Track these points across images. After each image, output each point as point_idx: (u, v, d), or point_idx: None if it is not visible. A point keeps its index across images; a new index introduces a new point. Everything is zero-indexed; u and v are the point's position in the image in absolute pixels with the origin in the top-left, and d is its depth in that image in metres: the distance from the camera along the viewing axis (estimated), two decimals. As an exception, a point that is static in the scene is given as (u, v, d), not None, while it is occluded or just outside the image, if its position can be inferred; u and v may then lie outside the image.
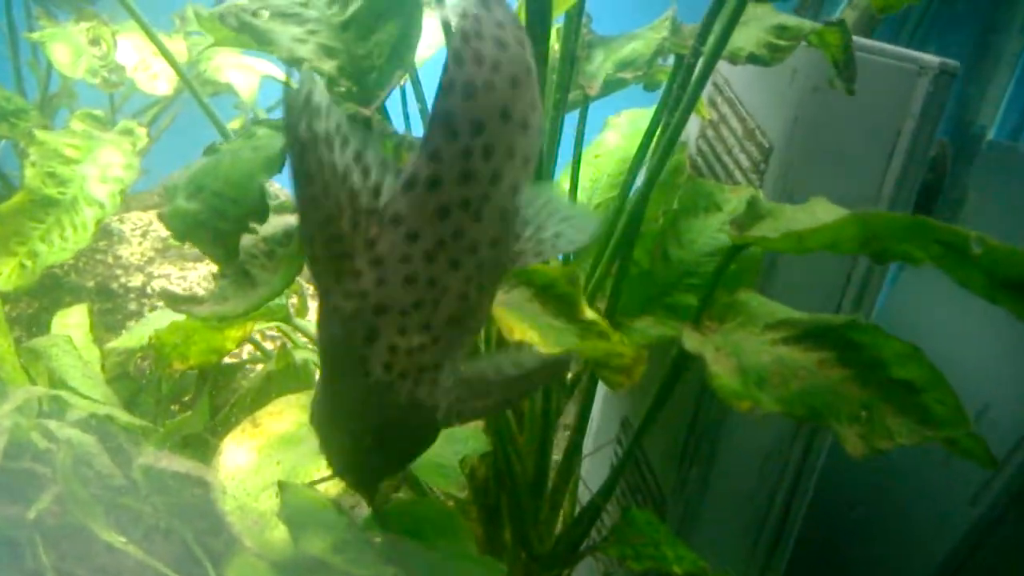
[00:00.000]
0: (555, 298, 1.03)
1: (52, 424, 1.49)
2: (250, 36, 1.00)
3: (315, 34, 1.02)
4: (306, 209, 0.57)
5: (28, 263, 1.74)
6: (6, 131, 1.95)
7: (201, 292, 2.15)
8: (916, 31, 2.12)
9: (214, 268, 2.31)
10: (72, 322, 1.67)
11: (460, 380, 0.67)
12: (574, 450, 1.38)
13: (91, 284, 2.08)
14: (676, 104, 1.12)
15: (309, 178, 0.55)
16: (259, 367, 1.71)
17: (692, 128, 1.59)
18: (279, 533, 1.24)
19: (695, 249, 1.32)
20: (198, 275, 2.16)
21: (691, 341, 1.00)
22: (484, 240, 0.59)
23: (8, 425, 1.44)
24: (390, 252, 0.57)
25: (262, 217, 0.84)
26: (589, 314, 0.99)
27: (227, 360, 1.64)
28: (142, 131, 2.02)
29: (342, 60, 0.99)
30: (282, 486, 1.10)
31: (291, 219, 0.99)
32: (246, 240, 0.95)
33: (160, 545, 1.54)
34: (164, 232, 2.24)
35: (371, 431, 0.69)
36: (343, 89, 0.97)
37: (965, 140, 2.08)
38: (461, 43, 0.52)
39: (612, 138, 1.66)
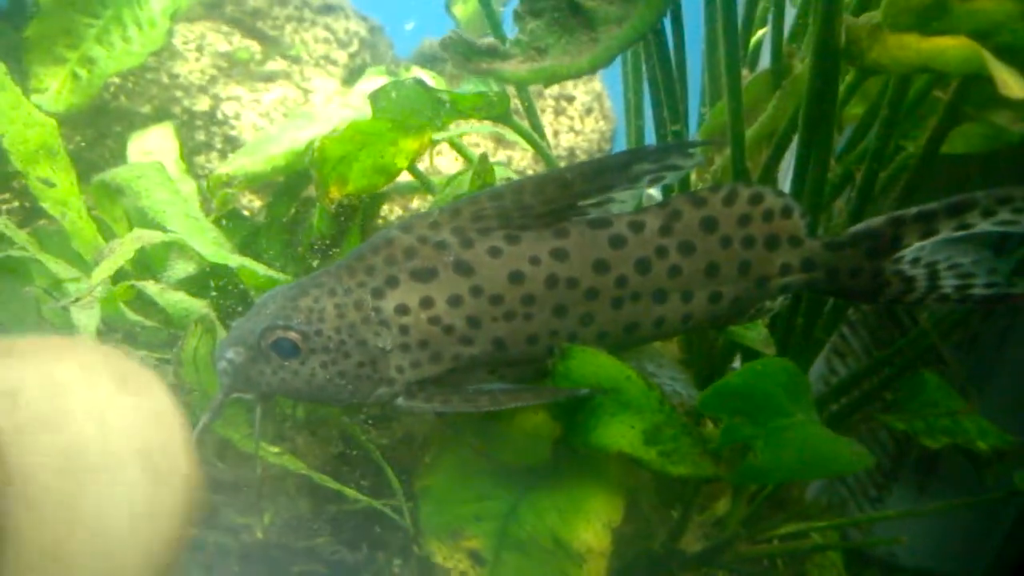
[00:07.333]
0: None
1: (150, 287, 1.12)
2: None
3: None
4: None
5: (82, 72, 1.33)
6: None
7: (280, 118, 1.75)
8: None
9: (289, 89, 1.90)
10: (154, 146, 1.28)
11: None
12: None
13: (146, 109, 1.66)
14: None
15: None
16: (415, 201, 1.34)
17: None
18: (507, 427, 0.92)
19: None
20: (273, 98, 1.76)
21: None
22: None
23: (99, 294, 1.07)
24: None
25: None
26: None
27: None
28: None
29: None
30: (563, 351, 0.77)
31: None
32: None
33: (303, 446, 1.21)
34: (222, 46, 1.81)
35: None
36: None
37: None
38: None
39: None
